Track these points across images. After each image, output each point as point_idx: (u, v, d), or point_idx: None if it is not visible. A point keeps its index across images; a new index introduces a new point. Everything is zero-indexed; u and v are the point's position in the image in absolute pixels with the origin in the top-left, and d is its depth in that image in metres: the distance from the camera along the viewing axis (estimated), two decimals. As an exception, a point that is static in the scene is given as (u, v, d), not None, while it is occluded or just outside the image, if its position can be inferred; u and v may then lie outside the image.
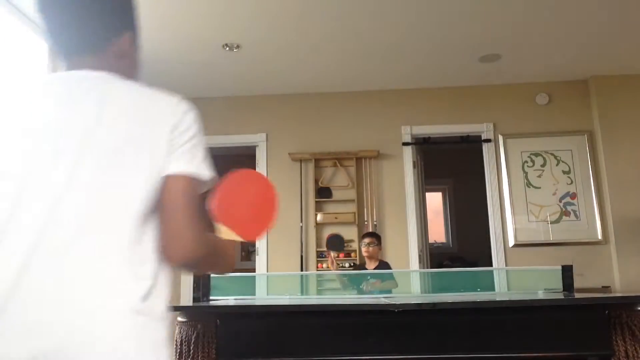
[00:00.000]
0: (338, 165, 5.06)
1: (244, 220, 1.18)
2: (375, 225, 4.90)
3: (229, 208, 1.16)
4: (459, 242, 7.53)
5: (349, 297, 3.22)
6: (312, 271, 4.82)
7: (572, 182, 4.88)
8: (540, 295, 2.50)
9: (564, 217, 4.82)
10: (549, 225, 4.80)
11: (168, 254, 0.95)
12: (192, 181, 0.97)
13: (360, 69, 4.71)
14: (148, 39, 3.89)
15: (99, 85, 1.00)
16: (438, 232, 7.68)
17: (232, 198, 1.18)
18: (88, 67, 1.02)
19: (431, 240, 6.84)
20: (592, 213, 4.79)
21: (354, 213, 4.93)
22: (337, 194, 5.03)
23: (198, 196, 0.99)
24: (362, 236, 4.19)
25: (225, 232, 1.15)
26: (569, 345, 1.79)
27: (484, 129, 5.08)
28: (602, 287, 4.50)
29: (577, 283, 2.66)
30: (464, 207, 7.39)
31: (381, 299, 1.89)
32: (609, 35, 4.13)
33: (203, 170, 1.00)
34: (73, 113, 0.96)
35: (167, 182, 0.95)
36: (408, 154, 5.08)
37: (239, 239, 1.17)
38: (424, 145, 5.36)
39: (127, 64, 1.09)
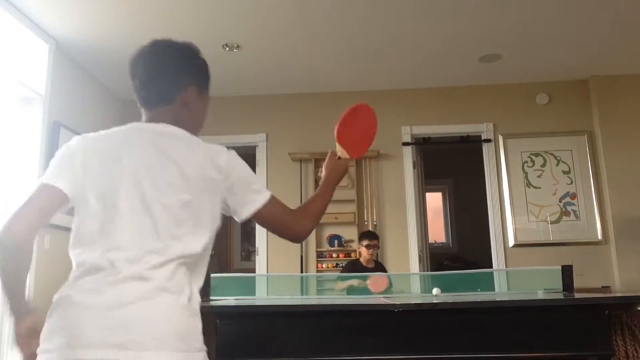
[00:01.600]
0: (338, 165, 5.05)
1: (355, 143, 1.66)
2: (375, 225, 4.90)
3: (347, 133, 1.64)
4: (459, 242, 7.52)
5: (349, 297, 3.22)
6: (312, 272, 4.83)
7: (572, 182, 4.88)
8: (540, 295, 2.50)
9: (564, 217, 4.82)
10: (549, 225, 4.81)
11: (298, 239, 1.43)
12: (271, 201, 1.33)
13: (360, 69, 4.71)
14: (148, 39, 3.90)
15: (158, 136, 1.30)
16: (438, 232, 7.67)
17: (351, 126, 1.65)
18: (163, 115, 1.34)
19: (431, 240, 6.84)
20: (592, 213, 4.79)
21: (354, 213, 4.93)
22: (337, 194, 4.96)
23: (279, 203, 1.36)
24: (363, 235, 4.14)
25: (340, 151, 1.63)
26: (569, 345, 1.78)
27: (484, 129, 5.09)
28: (602, 287, 4.50)
29: (577, 283, 2.66)
30: (464, 207, 7.40)
31: (381, 299, 1.89)
32: (609, 35, 4.13)
33: (266, 193, 1.33)
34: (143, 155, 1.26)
35: (261, 214, 1.31)
36: (408, 154, 5.08)
37: (347, 156, 1.63)
38: (423, 145, 5.36)
39: (191, 112, 1.40)
